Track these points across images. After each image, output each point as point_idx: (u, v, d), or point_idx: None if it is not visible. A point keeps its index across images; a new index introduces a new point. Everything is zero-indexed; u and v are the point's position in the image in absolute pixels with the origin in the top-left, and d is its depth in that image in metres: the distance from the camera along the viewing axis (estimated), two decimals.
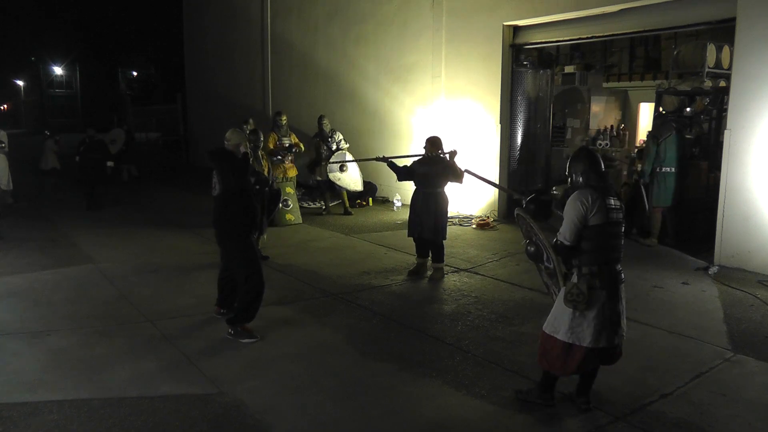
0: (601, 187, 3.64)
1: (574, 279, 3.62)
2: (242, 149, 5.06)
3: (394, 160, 6.89)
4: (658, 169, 7.85)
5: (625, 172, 10.15)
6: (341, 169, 10.23)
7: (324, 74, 13.34)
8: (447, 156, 6.64)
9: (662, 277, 6.64)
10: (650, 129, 7.85)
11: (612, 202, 3.61)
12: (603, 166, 3.74)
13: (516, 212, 4.16)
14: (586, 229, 3.57)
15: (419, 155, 6.82)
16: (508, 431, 3.66)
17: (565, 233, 3.61)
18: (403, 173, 6.80)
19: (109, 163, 11.73)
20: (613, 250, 3.64)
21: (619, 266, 3.69)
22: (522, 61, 9.95)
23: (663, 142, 7.79)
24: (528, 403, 3.85)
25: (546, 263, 3.81)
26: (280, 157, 9.15)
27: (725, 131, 6.97)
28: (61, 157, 13.93)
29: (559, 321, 3.67)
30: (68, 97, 51.36)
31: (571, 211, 3.59)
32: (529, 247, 3.89)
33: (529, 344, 4.84)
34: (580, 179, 3.70)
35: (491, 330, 5.22)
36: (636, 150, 10.34)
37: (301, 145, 9.95)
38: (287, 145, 9.65)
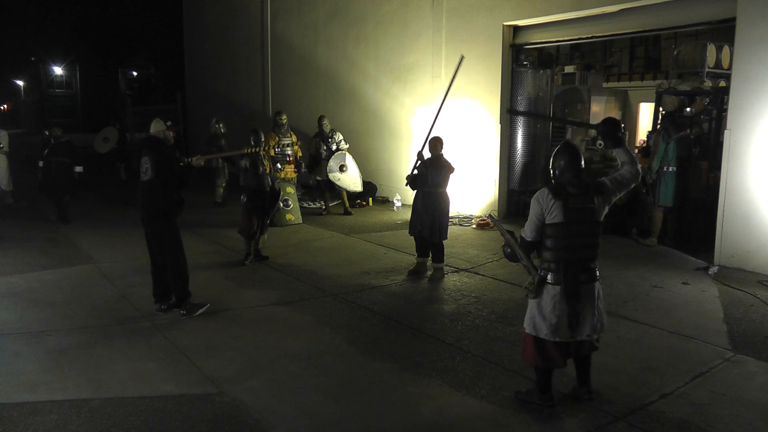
0: (565, 185, 3.67)
1: (539, 271, 3.76)
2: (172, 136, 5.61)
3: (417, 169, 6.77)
4: (663, 168, 7.82)
5: None
6: (341, 169, 10.23)
7: (324, 74, 13.34)
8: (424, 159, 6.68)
9: (662, 277, 6.63)
10: (651, 128, 7.81)
11: (574, 201, 3.62)
12: (583, 164, 3.77)
13: (493, 220, 4.38)
14: (546, 226, 3.68)
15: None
16: (508, 431, 3.66)
17: (526, 229, 3.77)
18: (411, 181, 6.77)
19: (78, 169, 10.07)
20: (574, 249, 3.66)
21: (592, 265, 3.71)
22: (522, 61, 9.96)
23: (672, 141, 7.75)
24: (528, 403, 3.87)
25: (521, 260, 3.86)
26: (279, 165, 9.17)
27: (725, 131, 6.97)
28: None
29: (527, 313, 3.84)
30: (68, 97, 51.31)
31: (531, 209, 3.75)
32: (505, 248, 3.94)
33: None
34: (557, 174, 3.78)
35: (491, 330, 5.23)
36: (637, 150, 10.33)
37: (299, 153, 9.99)
38: (288, 151, 9.69)
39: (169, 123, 5.56)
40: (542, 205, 3.66)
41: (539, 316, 3.71)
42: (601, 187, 3.73)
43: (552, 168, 3.82)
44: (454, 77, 6.89)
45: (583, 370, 3.92)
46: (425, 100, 10.98)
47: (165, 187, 5.39)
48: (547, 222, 3.66)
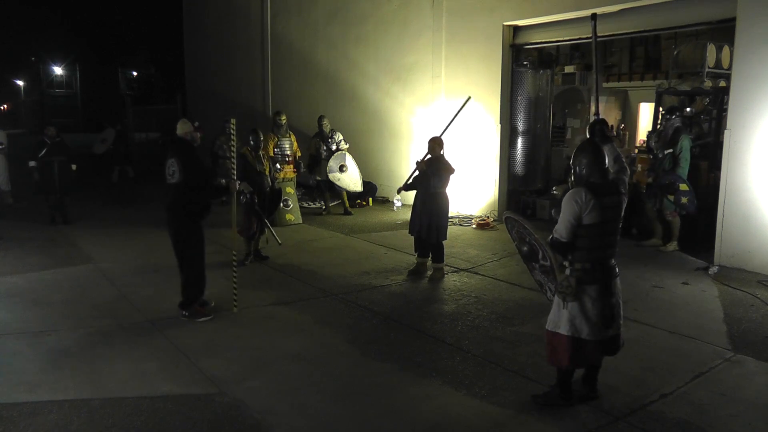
0: (599, 184, 3.66)
1: (567, 272, 3.70)
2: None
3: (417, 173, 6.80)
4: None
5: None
6: (341, 169, 10.23)
7: (324, 74, 13.34)
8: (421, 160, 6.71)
9: (662, 277, 6.63)
10: (651, 128, 7.67)
11: (609, 200, 3.64)
12: (607, 162, 3.76)
13: (505, 215, 4.22)
14: (580, 227, 3.62)
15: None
16: (507, 431, 3.66)
17: (561, 231, 3.67)
18: (411, 187, 6.84)
19: (73, 166, 9.96)
20: (608, 247, 3.71)
21: (613, 261, 3.76)
22: (522, 61, 9.95)
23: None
24: (549, 406, 3.85)
25: (542, 261, 3.83)
26: (279, 166, 9.13)
27: (725, 131, 6.97)
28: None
29: (557, 316, 3.76)
30: (68, 97, 51.28)
31: (566, 210, 3.64)
32: (522, 248, 3.91)
33: (529, 344, 4.85)
34: (583, 172, 3.72)
35: (491, 330, 5.22)
36: (637, 150, 10.31)
37: (298, 152, 9.96)
38: (287, 152, 9.67)
39: (196, 124, 5.46)
40: (581, 206, 3.59)
41: (580, 317, 3.66)
42: (620, 184, 3.77)
43: (575, 166, 3.75)
44: (457, 114, 6.90)
45: (592, 371, 3.93)
46: (425, 100, 10.98)
47: (192, 190, 5.27)
48: (584, 223, 3.61)
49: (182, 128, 5.45)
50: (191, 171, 5.25)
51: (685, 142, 7.53)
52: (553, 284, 3.87)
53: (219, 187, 5.74)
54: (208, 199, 5.47)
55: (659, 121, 8.81)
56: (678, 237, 7.72)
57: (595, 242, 3.64)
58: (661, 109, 8.93)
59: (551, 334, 3.80)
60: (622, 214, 3.75)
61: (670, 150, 7.44)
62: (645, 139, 10.26)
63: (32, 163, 9.65)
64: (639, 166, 8.74)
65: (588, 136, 4.00)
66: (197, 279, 5.52)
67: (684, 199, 7.40)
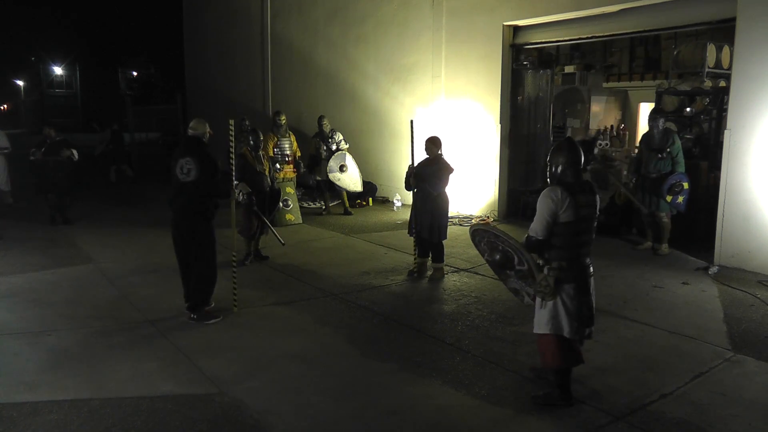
0: (572, 183, 3.69)
1: (545, 272, 3.73)
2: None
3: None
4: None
5: (625, 172, 10.14)
6: (341, 169, 10.23)
7: (324, 74, 13.34)
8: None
9: (662, 277, 6.63)
10: (663, 129, 7.55)
11: (583, 199, 3.66)
12: (583, 162, 3.80)
13: (473, 228, 4.25)
14: (556, 225, 3.66)
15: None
16: (507, 431, 3.66)
17: (536, 228, 3.71)
18: (408, 184, 6.81)
19: (74, 152, 9.84)
20: (583, 246, 3.74)
21: (588, 260, 3.78)
22: (522, 61, 9.95)
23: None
24: (548, 406, 3.85)
25: (518, 266, 3.85)
26: (278, 166, 9.12)
27: (725, 131, 6.97)
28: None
29: (539, 317, 3.80)
30: (68, 97, 51.31)
31: (542, 207, 3.69)
32: (495, 257, 3.93)
33: (529, 344, 4.84)
34: (557, 171, 3.76)
35: (491, 330, 5.23)
36: (636, 150, 10.31)
37: (298, 152, 9.94)
38: (287, 152, 9.66)
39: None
40: (557, 203, 3.63)
41: (562, 315, 3.69)
42: (593, 185, 3.81)
43: (551, 165, 3.79)
44: (412, 138, 6.96)
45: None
46: (425, 100, 10.98)
47: (207, 189, 5.23)
48: (560, 221, 3.64)
49: (200, 127, 5.39)
50: (206, 170, 5.20)
51: (678, 142, 7.56)
52: (532, 287, 3.89)
53: (228, 188, 5.69)
54: (220, 198, 5.44)
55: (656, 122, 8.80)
56: (669, 238, 7.69)
57: (571, 240, 3.68)
58: (662, 108, 8.92)
59: (539, 337, 3.85)
60: (597, 213, 3.79)
61: (668, 150, 7.44)
62: None
63: (32, 157, 9.64)
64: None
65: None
66: (211, 281, 5.46)
67: (680, 198, 7.41)
